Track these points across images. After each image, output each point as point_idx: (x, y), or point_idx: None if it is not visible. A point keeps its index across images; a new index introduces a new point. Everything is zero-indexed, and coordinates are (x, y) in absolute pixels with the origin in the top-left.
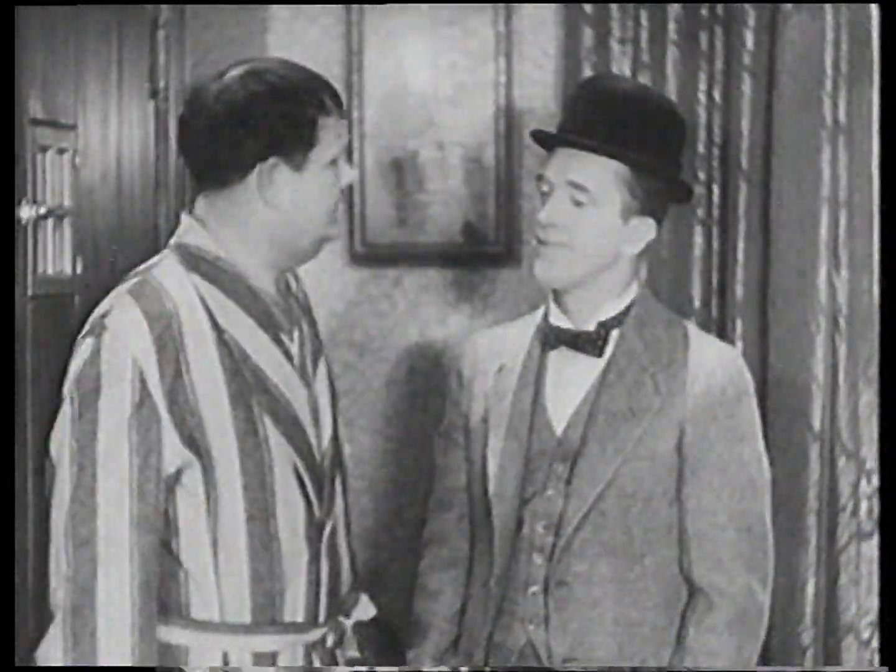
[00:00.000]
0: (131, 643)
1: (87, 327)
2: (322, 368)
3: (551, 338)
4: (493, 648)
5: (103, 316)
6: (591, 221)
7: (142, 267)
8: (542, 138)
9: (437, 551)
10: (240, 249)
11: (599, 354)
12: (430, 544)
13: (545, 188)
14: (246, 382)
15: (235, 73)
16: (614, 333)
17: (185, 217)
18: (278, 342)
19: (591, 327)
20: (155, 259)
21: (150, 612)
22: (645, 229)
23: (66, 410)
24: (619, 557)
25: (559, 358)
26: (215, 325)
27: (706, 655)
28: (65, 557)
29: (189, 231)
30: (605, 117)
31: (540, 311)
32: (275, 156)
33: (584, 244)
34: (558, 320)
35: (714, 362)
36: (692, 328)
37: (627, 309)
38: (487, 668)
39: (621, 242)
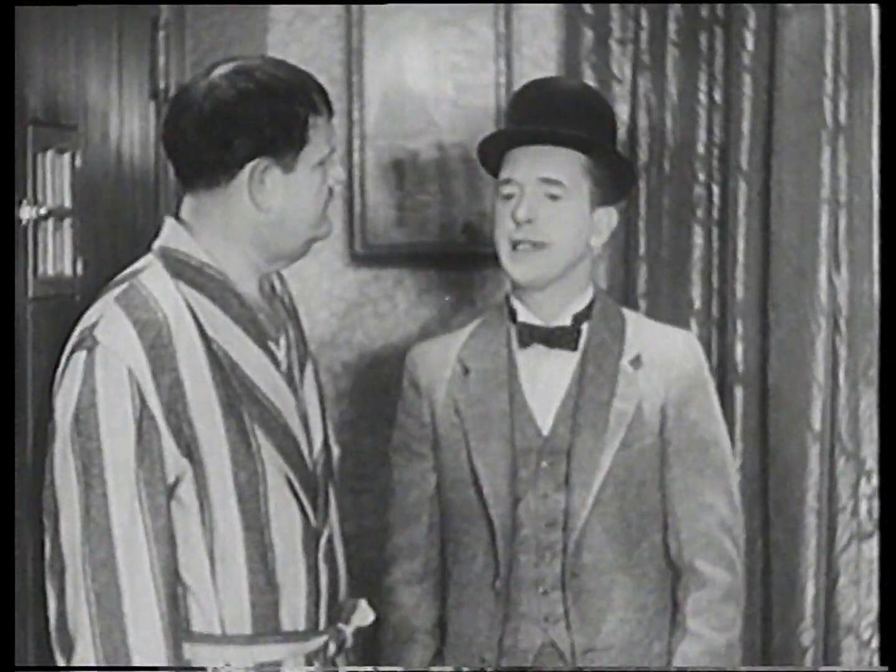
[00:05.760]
0: (166, 660)
1: (75, 339)
2: (309, 373)
3: (525, 336)
4: (505, 652)
5: (92, 327)
6: (568, 214)
7: (126, 272)
8: (500, 140)
9: (408, 566)
10: (225, 253)
11: (574, 348)
12: (399, 559)
13: (512, 190)
14: (236, 392)
15: (223, 71)
16: (584, 327)
17: (168, 220)
18: (266, 350)
19: (567, 322)
20: (139, 264)
21: (177, 626)
22: (608, 219)
23: (64, 429)
24: (621, 544)
25: (531, 356)
26: (203, 333)
27: (709, 632)
28: (83, 581)
29: (173, 235)
30: (556, 112)
31: (482, 317)
32: (265, 156)
33: (562, 239)
34: (528, 318)
35: (683, 347)
36: (630, 314)
37: (592, 302)
38: (489, 669)
39: (590, 234)
